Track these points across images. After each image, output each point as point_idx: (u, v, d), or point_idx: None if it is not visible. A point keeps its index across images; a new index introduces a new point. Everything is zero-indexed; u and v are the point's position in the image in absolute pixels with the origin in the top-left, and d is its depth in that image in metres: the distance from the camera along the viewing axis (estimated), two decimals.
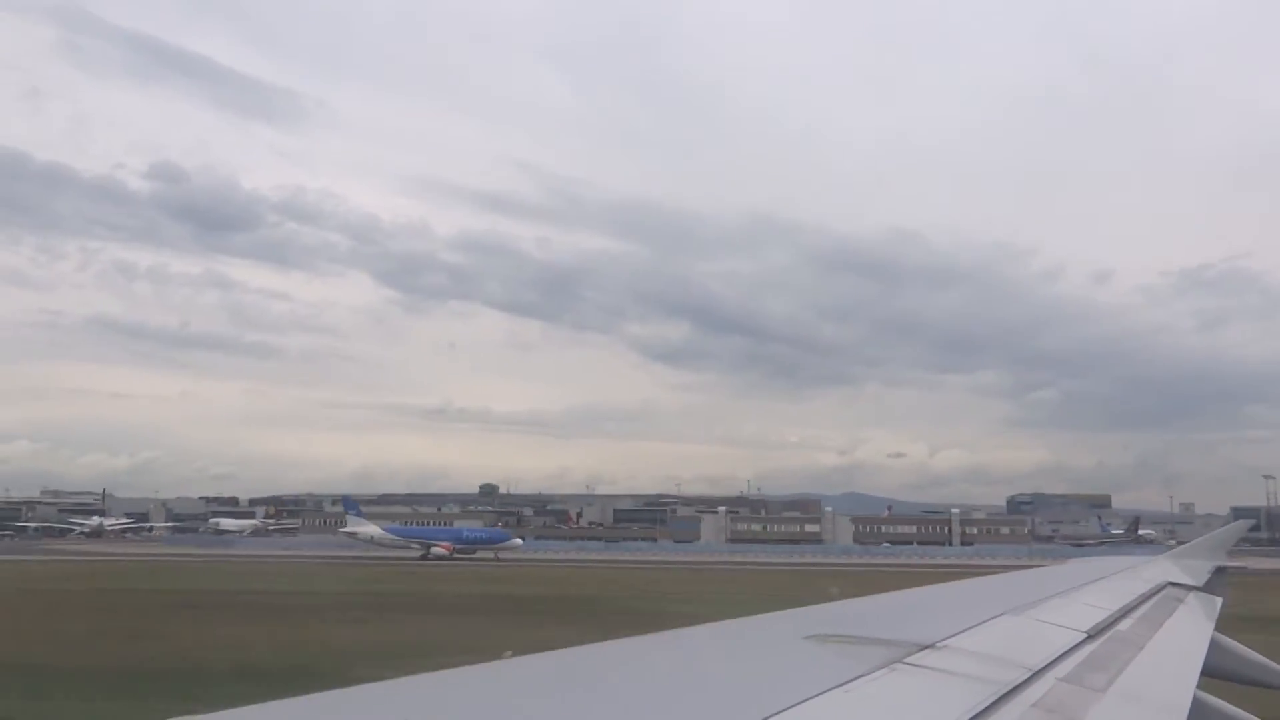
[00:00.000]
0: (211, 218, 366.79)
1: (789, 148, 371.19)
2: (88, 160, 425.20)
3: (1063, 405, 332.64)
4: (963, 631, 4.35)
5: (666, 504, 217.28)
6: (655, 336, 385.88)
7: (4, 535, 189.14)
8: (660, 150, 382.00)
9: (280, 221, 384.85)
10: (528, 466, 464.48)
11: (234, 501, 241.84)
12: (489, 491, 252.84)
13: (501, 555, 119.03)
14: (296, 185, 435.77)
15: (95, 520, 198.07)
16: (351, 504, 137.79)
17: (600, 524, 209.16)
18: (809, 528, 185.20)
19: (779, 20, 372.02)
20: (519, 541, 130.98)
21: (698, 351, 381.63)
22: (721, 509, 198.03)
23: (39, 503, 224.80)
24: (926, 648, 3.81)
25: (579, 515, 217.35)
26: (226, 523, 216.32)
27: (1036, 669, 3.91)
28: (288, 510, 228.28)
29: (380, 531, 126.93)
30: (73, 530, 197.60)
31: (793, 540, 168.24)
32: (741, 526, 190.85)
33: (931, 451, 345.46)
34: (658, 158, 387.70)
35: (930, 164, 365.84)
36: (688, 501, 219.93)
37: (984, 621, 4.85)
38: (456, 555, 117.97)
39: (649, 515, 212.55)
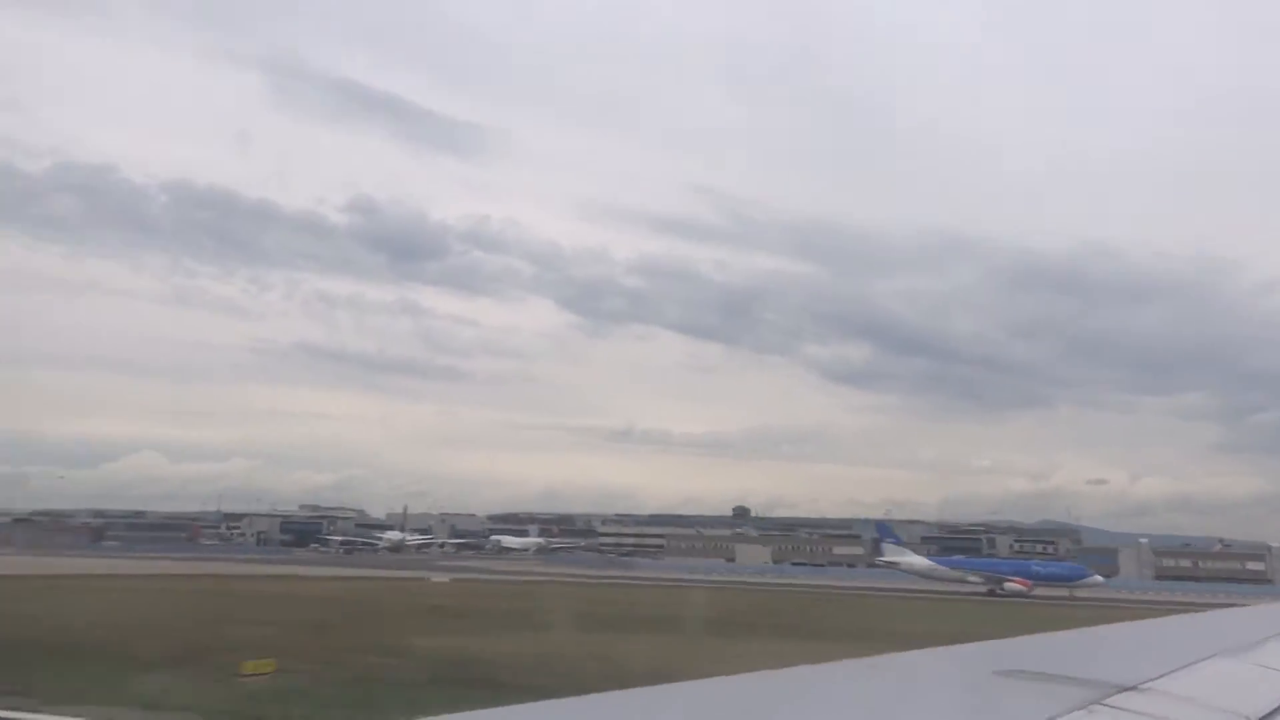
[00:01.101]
0: (403, 247, 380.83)
1: (968, 162, 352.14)
2: (291, 196, 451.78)
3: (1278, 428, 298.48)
4: (1170, 673, 4.00)
5: (977, 534, 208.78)
6: (835, 357, 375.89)
7: (314, 548, 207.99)
8: (836, 169, 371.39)
9: (466, 250, 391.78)
10: (706, 488, 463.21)
11: (513, 519, 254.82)
12: (741, 514, 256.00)
13: (1078, 594, 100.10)
14: (481, 215, 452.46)
15: (397, 535, 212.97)
16: (886, 530, 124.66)
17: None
18: (1252, 565, 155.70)
19: (951, 33, 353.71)
20: (1100, 579, 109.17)
21: (879, 372, 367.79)
22: (1143, 540, 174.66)
23: (339, 517, 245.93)
24: (1128, 689, 3.50)
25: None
26: (509, 540, 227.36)
27: (1258, 719, 3.49)
28: (561, 529, 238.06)
29: (927, 563, 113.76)
30: (374, 546, 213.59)
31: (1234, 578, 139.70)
32: (1169, 563, 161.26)
33: (1132, 478, 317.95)
34: (834, 177, 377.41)
35: (1122, 173, 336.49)
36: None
37: (1194, 663, 4.43)
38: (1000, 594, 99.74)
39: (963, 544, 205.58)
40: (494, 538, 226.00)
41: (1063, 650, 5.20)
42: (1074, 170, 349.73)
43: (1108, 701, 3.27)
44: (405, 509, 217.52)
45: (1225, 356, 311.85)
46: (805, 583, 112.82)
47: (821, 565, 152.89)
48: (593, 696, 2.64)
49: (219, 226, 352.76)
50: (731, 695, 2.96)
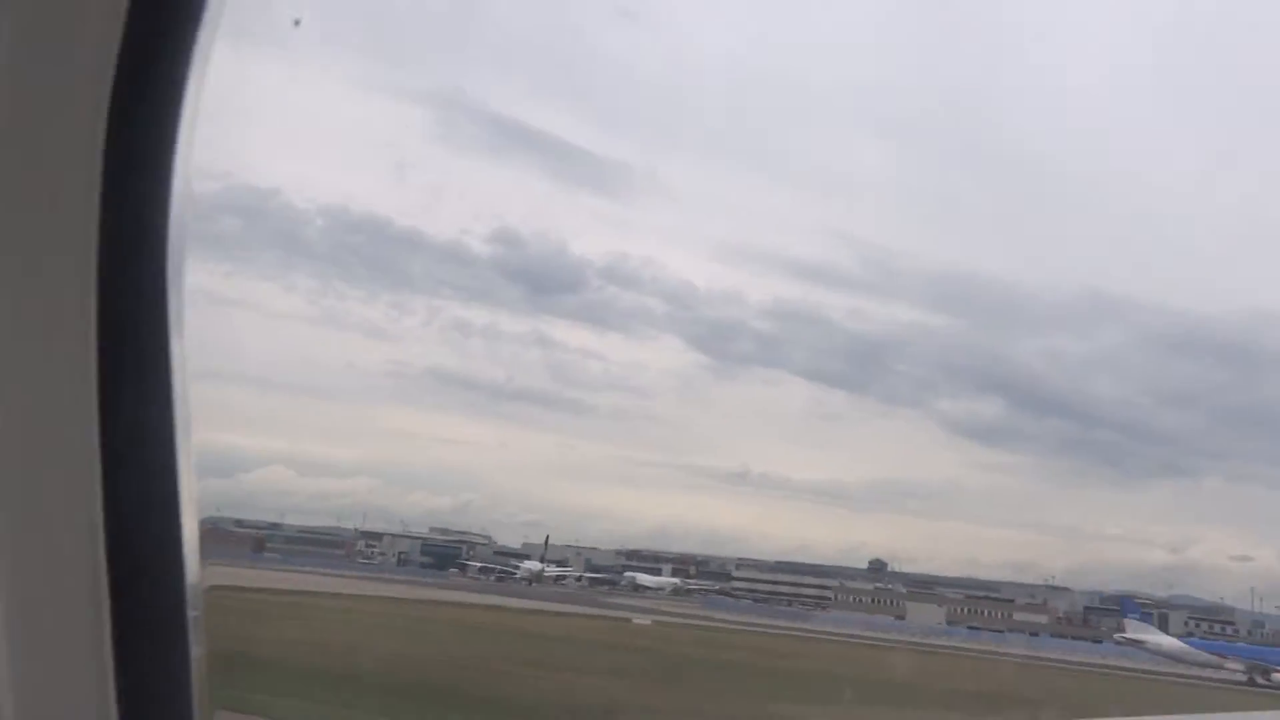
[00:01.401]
0: (541, 280, 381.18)
1: (1127, 220, 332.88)
2: (439, 226, 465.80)
3: None
4: None
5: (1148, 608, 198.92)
6: (966, 413, 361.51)
7: (452, 573, 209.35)
8: (984, 222, 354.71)
9: (603, 285, 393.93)
10: (820, 538, 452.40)
11: (640, 555, 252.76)
12: (878, 567, 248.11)
13: None
14: (620, 252, 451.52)
15: (536, 565, 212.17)
16: (1132, 605, 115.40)
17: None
18: None
19: (1115, 85, 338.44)
20: None
21: (1012, 431, 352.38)
22: None
23: (476, 543, 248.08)
24: None
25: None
26: (644, 578, 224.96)
27: None
28: (696, 569, 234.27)
29: (1179, 644, 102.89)
30: (513, 574, 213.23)
31: None
32: None
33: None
34: (981, 230, 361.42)
35: None
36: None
37: None
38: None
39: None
40: (628, 574, 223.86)
41: None
42: (1249, 234, 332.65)
43: None
44: (547, 539, 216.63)
45: None
46: (1025, 654, 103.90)
47: (1001, 632, 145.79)
48: None
49: (369, 252, 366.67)
50: None
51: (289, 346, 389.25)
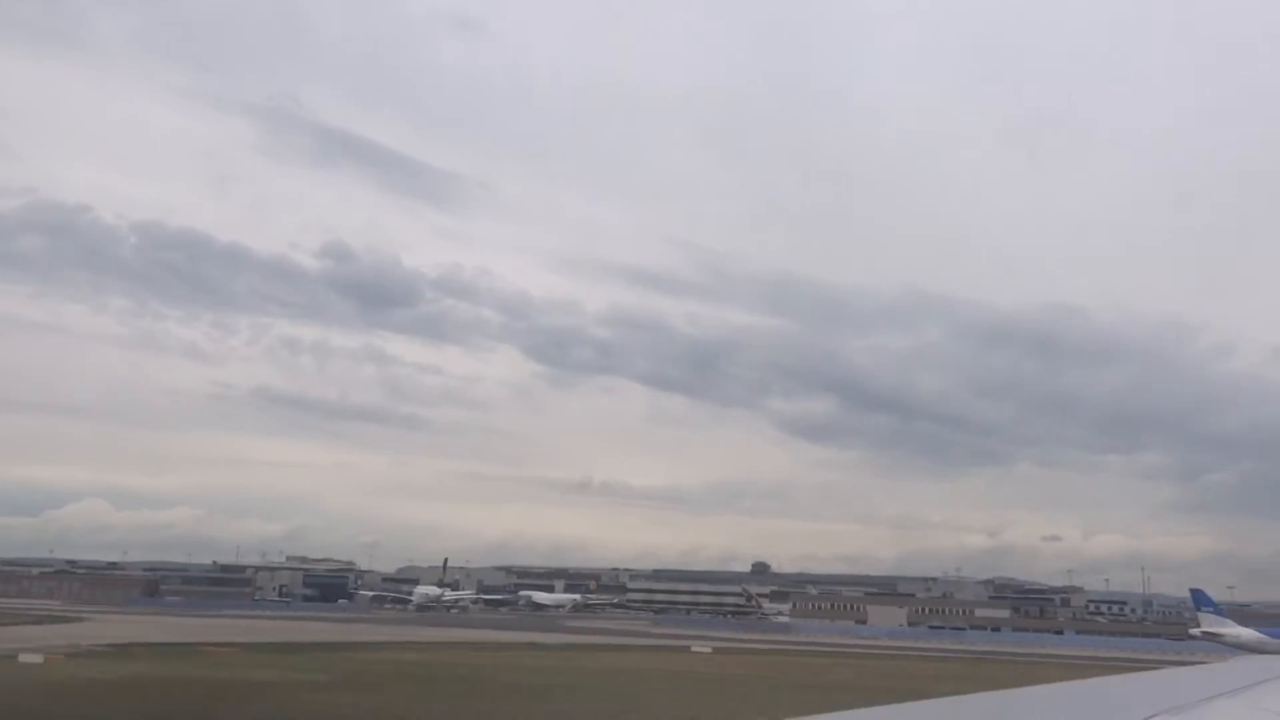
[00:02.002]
0: (375, 294, 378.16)
1: (943, 221, 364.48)
2: (264, 240, 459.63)
3: (1236, 490, 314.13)
4: None
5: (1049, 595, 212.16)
6: (799, 412, 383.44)
7: (341, 603, 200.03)
8: (810, 225, 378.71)
9: (438, 298, 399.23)
10: (661, 543, 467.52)
11: (530, 572, 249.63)
12: (760, 570, 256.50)
13: None
14: (455, 263, 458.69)
15: (434, 590, 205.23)
16: (1205, 598, 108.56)
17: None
18: None
19: (929, 91, 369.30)
20: None
21: (842, 428, 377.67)
22: None
23: (363, 571, 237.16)
24: None
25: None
26: (541, 596, 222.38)
27: None
28: (590, 584, 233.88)
29: (1257, 635, 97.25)
30: (407, 601, 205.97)
31: None
32: None
33: (1086, 536, 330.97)
34: (808, 232, 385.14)
35: (1094, 236, 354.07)
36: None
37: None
38: None
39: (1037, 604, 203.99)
40: (523, 593, 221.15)
41: (1011, 709, 5.44)
42: (1047, 232, 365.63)
43: None
44: (446, 562, 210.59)
45: (1182, 418, 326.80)
46: (1058, 653, 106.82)
47: (962, 629, 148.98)
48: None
49: (188, 269, 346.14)
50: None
51: (102, 371, 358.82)
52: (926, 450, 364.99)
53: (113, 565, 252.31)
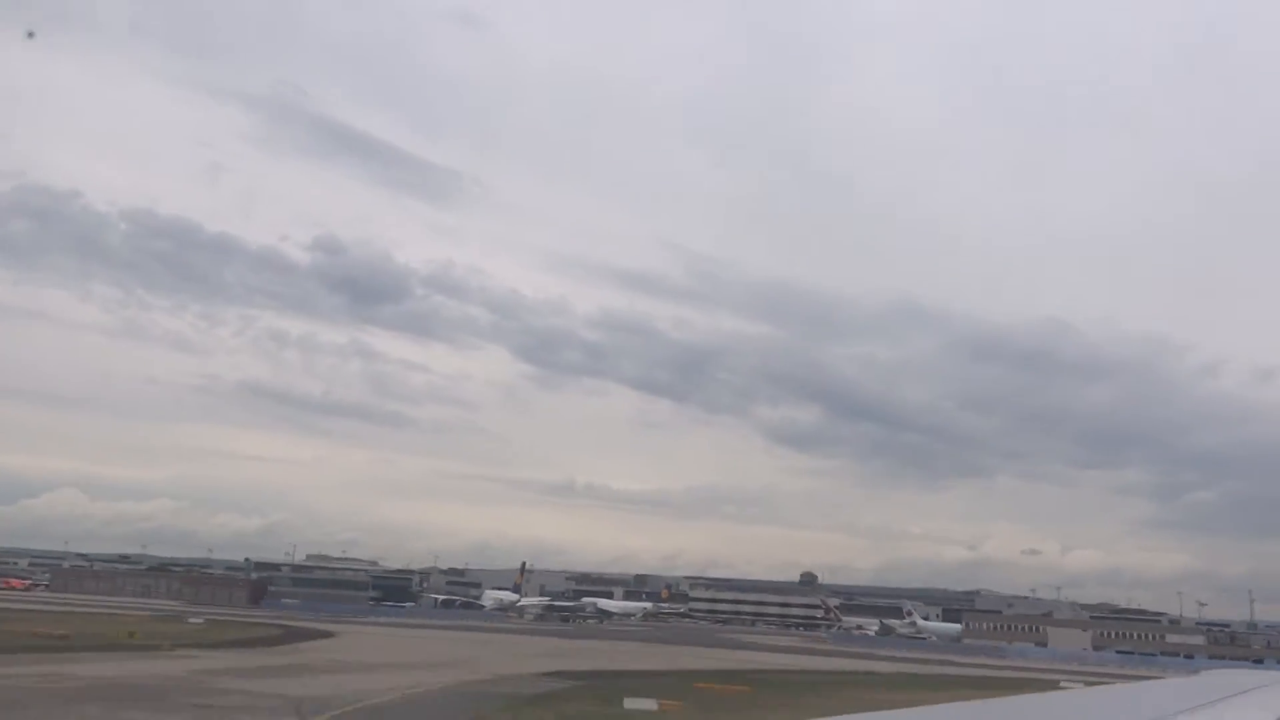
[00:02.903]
0: (364, 289, 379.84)
1: (935, 236, 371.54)
2: (255, 232, 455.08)
3: (1214, 508, 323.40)
4: None
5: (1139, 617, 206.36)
6: (784, 420, 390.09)
7: (409, 606, 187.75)
8: (804, 233, 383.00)
9: (427, 295, 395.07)
10: (643, 547, 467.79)
11: (589, 579, 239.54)
12: (809, 580, 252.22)
13: None
14: (446, 260, 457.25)
15: (510, 595, 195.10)
16: None
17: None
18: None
19: (924, 99, 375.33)
20: None
21: (827, 437, 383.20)
22: None
23: (427, 572, 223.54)
24: None
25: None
26: (606, 604, 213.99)
27: None
28: (662, 593, 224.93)
29: None
30: (481, 606, 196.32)
31: None
32: None
33: (1064, 550, 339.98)
34: (801, 241, 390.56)
35: (1086, 252, 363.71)
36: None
37: None
38: None
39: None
40: (587, 600, 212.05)
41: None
42: (1039, 248, 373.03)
43: None
44: (524, 566, 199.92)
45: (1164, 435, 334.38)
46: None
47: (1153, 655, 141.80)
48: None
49: (177, 259, 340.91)
50: None
51: (84, 360, 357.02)
52: (911, 461, 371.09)
53: (124, 558, 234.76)
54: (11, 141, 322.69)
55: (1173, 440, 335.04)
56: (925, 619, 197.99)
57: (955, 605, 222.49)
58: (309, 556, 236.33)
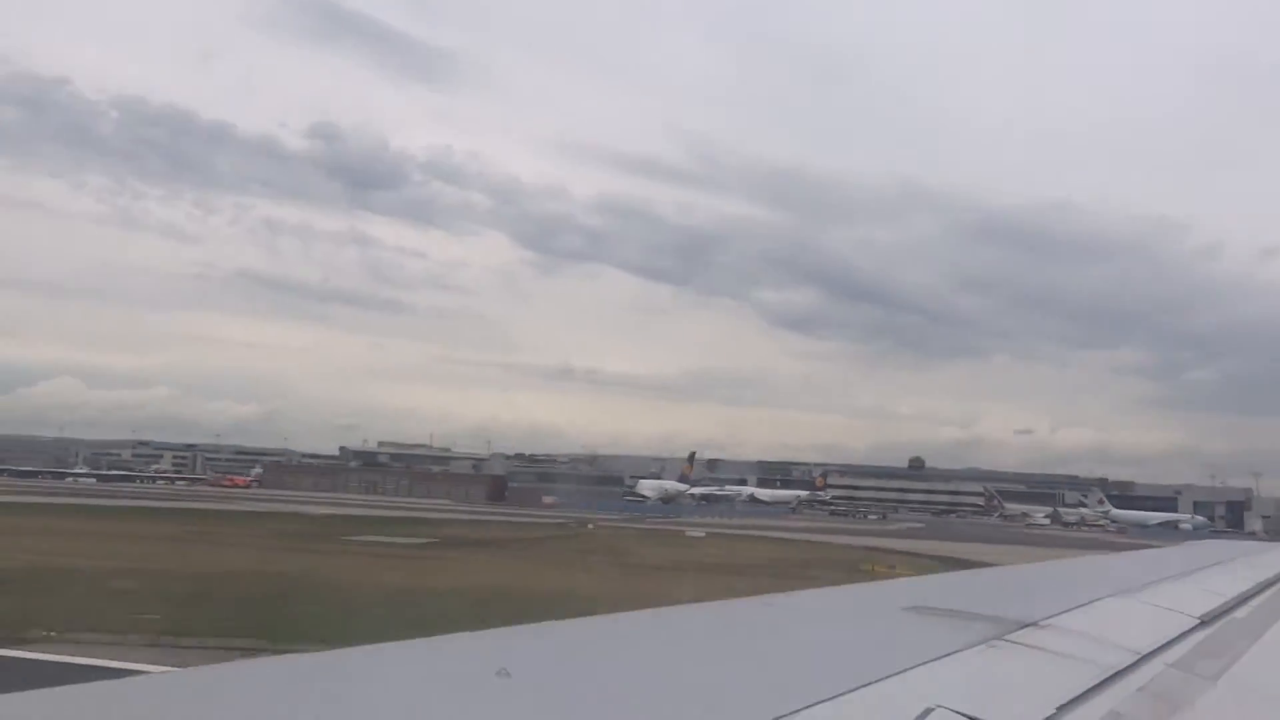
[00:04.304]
0: (361, 176, 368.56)
1: (942, 117, 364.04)
2: (251, 118, 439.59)
3: (1209, 386, 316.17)
4: (1067, 611, 4.35)
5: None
6: (784, 303, 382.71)
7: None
8: (808, 117, 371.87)
9: (426, 181, 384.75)
10: (637, 430, 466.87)
11: (718, 464, 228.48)
12: (918, 466, 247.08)
13: None
14: (445, 145, 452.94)
15: (673, 485, 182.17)
16: None
17: None
18: None
19: None
20: None
21: (825, 319, 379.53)
22: None
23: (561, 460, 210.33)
24: (1029, 625, 3.83)
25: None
26: (762, 493, 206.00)
27: (1144, 653, 3.90)
28: (817, 479, 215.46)
29: None
30: (644, 499, 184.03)
31: None
32: None
33: (1054, 429, 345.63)
34: (805, 124, 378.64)
35: (1089, 134, 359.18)
36: None
37: (1090, 602, 4.83)
38: None
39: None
40: (733, 488, 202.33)
41: (972, 589, 5.49)
42: (1043, 128, 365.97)
43: (1010, 637, 3.57)
44: (694, 455, 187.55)
45: (1164, 315, 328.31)
46: None
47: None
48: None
49: (170, 147, 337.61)
50: (646, 628, 3.22)
51: (78, 249, 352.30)
52: (907, 342, 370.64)
53: (190, 447, 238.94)
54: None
55: (1171, 320, 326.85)
56: None
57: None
58: (380, 444, 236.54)
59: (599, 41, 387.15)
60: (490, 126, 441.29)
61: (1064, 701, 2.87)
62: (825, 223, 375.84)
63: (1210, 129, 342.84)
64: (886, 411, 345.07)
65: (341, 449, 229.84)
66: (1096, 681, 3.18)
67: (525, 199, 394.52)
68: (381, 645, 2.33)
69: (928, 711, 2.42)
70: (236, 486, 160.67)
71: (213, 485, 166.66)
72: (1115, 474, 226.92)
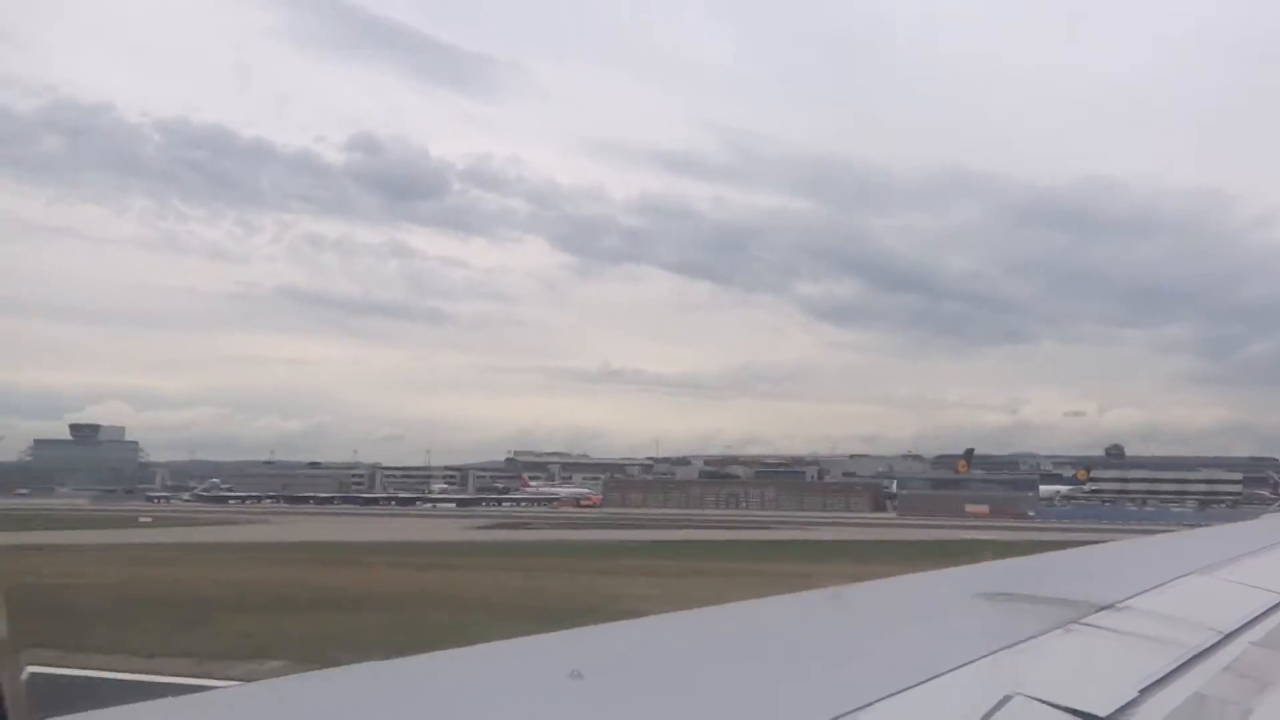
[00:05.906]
0: (401, 187, 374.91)
1: (978, 94, 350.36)
2: (290, 134, 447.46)
3: (1261, 360, 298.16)
4: (1145, 592, 4.16)
5: None
6: (824, 295, 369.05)
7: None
8: (842, 105, 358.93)
9: (465, 189, 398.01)
10: (680, 428, 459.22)
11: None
12: (1116, 453, 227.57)
13: None
14: (484, 152, 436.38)
15: None
16: None
17: None
18: None
19: None
20: None
21: (865, 310, 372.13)
22: None
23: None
24: (1105, 608, 3.64)
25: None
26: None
27: (1227, 632, 3.70)
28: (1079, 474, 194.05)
29: None
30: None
31: None
32: None
33: (1101, 410, 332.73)
34: (839, 113, 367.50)
35: (1134, 105, 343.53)
36: None
37: (1168, 581, 4.63)
38: None
39: None
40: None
41: (1044, 573, 5.39)
42: (1084, 104, 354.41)
43: (1086, 620, 3.48)
44: (970, 453, 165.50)
45: (1212, 289, 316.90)
46: None
47: None
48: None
49: (212, 167, 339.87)
50: (718, 624, 3.18)
51: (122, 274, 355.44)
52: (948, 329, 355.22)
53: (314, 465, 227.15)
54: (38, 55, 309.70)
55: (1219, 294, 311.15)
56: None
57: None
58: (515, 453, 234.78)
59: (628, 38, 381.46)
60: (527, 130, 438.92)
61: (1146, 684, 2.79)
62: (864, 211, 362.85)
63: (1262, 95, 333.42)
64: (926, 399, 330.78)
65: (508, 457, 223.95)
66: (1179, 663, 3.08)
67: (563, 201, 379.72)
68: (454, 650, 2.35)
69: (1005, 699, 2.38)
70: (595, 506, 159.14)
71: (571, 507, 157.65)
72: (1167, 451, 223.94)
